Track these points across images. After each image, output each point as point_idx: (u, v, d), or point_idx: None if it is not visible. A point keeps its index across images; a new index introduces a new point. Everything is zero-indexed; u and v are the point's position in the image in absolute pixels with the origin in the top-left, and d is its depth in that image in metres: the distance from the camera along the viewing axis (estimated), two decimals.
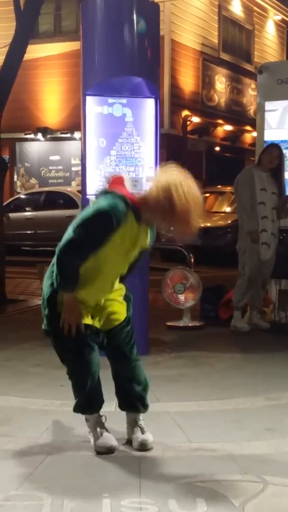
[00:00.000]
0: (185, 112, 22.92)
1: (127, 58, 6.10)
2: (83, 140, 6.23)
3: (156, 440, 4.04)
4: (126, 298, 4.11)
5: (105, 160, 6.16)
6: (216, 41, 25.03)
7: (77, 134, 21.56)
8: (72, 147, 22.64)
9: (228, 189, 15.81)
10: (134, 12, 6.07)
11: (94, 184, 6.16)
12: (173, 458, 3.84)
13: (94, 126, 6.19)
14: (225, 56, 25.53)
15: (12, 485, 3.46)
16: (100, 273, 3.82)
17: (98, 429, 3.98)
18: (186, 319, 7.73)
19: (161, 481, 3.53)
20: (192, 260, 8.24)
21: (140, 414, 4.09)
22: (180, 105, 22.67)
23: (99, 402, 4.02)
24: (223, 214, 15.93)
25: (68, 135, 22.52)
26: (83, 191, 6.36)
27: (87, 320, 3.89)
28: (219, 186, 17.38)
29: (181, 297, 7.74)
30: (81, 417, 4.09)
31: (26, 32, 9.56)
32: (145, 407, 4.09)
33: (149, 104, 6.26)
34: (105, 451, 3.90)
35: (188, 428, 4.31)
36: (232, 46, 26.23)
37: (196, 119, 23.21)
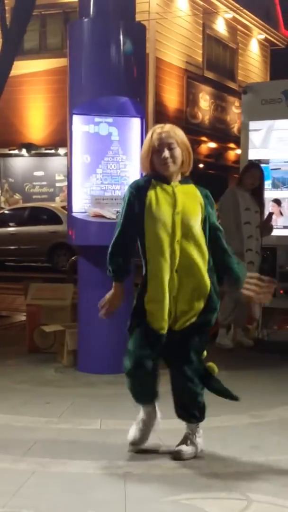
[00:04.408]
0: None
1: (114, 78, 6.16)
2: (69, 158, 6.28)
3: (141, 458, 4.09)
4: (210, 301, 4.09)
5: (91, 178, 6.20)
6: (200, 59, 25.24)
7: (61, 150, 21.63)
8: (56, 163, 22.69)
9: None
10: (121, 33, 6.14)
11: (80, 201, 6.21)
12: (158, 476, 3.87)
13: (80, 144, 6.24)
14: (209, 74, 25.74)
15: None
16: (154, 259, 3.98)
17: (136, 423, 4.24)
18: None
19: (148, 500, 3.55)
20: None
21: (189, 424, 4.24)
22: (164, 122, 22.47)
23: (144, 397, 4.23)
24: None
25: (53, 151, 22.58)
26: (69, 208, 6.40)
27: (157, 324, 4.01)
28: None
29: None
30: (68, 435, 4.12)
31: (12, 49, 9.62)
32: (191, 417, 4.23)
33: (135, 123, 6.31)
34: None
35: (173, 445, 4.30)
36: (216, 65, 26.45)
37: None
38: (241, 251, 7.29)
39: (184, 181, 4.14)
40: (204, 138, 25.01)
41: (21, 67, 18.72)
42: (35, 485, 3.72)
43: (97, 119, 6.18)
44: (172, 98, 23.51)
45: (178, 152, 4.06)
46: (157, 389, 4.21)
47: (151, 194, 4.01)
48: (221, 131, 26.44)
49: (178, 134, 4.12)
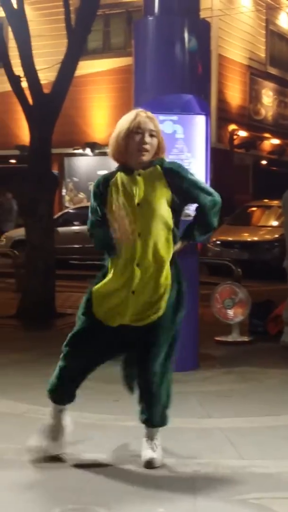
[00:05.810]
0: (232, 126, 22.93)
1: (179, 75, 6.16)
2: None
3: (209, 457, 4.07)
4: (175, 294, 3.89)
5: None
6: (263, 55, 25.02)
7: None
8: None
9: (275, 203, 15.74)
10: (186, 30, 6.14)
11: None
12: (227, 475, 3.85)
13: None
14: (272, 70, 25.50)
15: (69, 499, 3.52)
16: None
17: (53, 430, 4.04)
18: (235, 334, 7.72)
19: (216, 498, 3.55)
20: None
21: (152, 431, 4.03)
22: (227, 119, 22.69)
23: (63, 396, 4.16)
24: (270, 228, 15.87)
25: None
26: None
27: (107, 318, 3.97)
28: (266, 200, 17.32)
29: (230, 312, 7.75)
30: (136, 433, 4.13)
31: (77, 49, 9.67)
32: (154, 424, 4.03)
33: (200, 121, 6.29)
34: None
35: (240, 444, 4.31)
36: (279, 60, 26.18)
37: (243, 133, 23.19)
38: None
39: (149, 164, 3.85)
40: (267, 135, 24.79)
41: (85, 67, 18.81)
42: (105, 482, 3.75)
43: (162, 117, 6.16)
44: (235, 95, 23.38)
45: (155, 141, 3.86)
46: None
47: (112, 186, 3.85)
48: (284, 127, 26.18)
49: (157, 125, 3.93)
